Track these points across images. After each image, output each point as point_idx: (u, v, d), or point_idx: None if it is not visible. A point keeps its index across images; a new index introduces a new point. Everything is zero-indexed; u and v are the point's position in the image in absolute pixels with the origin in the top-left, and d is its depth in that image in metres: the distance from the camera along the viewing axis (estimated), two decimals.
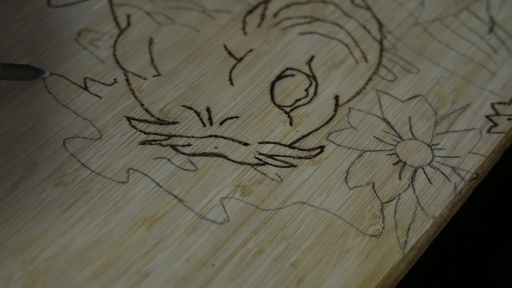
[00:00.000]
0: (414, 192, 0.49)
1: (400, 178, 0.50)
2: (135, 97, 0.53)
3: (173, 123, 0.51)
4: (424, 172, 0.50)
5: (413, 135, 0.52)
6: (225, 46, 0.56)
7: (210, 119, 0.52)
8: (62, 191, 0.47)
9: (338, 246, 0.47)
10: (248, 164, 0.50)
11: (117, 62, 0.54)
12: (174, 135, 0.51)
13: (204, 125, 0.51)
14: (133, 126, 0.51)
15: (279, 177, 0.49)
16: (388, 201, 0.49)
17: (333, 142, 0.51)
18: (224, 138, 0.51)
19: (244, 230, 0.47)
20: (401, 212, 0.48)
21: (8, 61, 0.53)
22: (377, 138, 0.52)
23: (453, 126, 0.53)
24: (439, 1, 0.61)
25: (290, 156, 0.50)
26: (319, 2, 0.60)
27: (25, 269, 0.44)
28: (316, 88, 0.54)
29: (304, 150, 0.51)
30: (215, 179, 0.49)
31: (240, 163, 0.50)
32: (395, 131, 0.52)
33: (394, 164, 0.51)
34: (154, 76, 0.54)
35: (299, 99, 0.53)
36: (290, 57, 0.56)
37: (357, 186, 0.49)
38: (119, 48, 0.55)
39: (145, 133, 0.51)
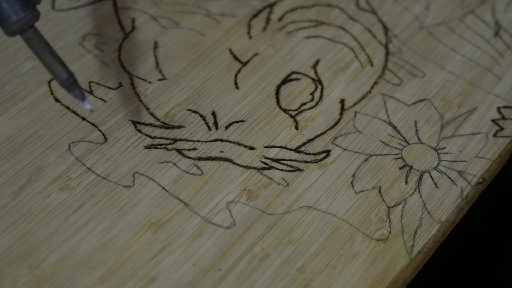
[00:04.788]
0: (421, 197, 0.49)
1: (406, 182, 0.50)
2: (140, 101, 0.52)
3: (179, 127, 0.51)
4: (431, 176, 0.50)
5: (419, 139, 0.52)
6: (230, 50, 0.56)
7: (215, 123, 0.52)
8: (68, 195, 0.47)
9: (344, 250, 0.46)
10: (254, 168, 0.50)
11: (122, 66, 0.54)
12: (180, 139, 0.50)
13: (210, 129, 0.51)
14: (139, 130, 0.51)
15: (285, 181, 0.49)
16: (394, 206, 0.49)
17: (339, 146, 0.51)
18: (230, 142, 0.51)
19: (250, 235, 0.46)
20: (407, 217, 0.48)
21: (12, 65, 0.53)
22: (383, 142, 0.52)
23: (459, 130, 0.53)
24: (445, 5, 0.61)
25: (296, 160, 0.50)
26: (324, 6, 0.60)
27: (31, 274, 0.44)
28: (321, 92, 0.54)
29: (310, 154, 0.51)
30: (221, 183, 0.49)
31: (246, 167, 0.50)
32: (401, 135, 0.52)
33: (400, 168, 0.50)
34: (159, 80, 0.54)
35: (305, 103, 0.53)
36: (296, 61, 0.56)
37: (363, 191, 0.49)
38: (124, 52, 0.55)
39: (150, 137, 0.50)
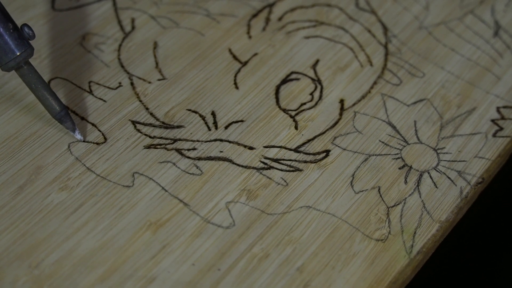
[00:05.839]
0: (420, 197, 0.49)
1: (406, 182, 0.50)
2: (140, 101, 0.52)
3: (178, 127, 0.51)
4: (430, 176, 0.50)
5: (418, 139, 0.52)
6: (229, 50, 0.56)
7: (215, 123, 0.52)
8: (67, 195, 0.47)
9: (344, 250, 0.46)
10: (254, 168, 0.50)
11: (122, 66, 0.54)
12: (179, 139, 0.50)
13: (209, 129, 0.51)
14: (138, 130, 0.51)
15: (285, 181, 0.49)
16: (394, 206, 0.49)
17: (339, 146, 0.51)
18: (229, 142, 0.51)
19: (250, 235, 0.46)
20: (407, 217, 0.48)
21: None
22: (383, 142, 0.52)
23: (458, 130, 0.53)
24: (444, 4, 0.61)
25: (295, 160, 0.50)
26: (324, 5, 0.60)
27: (30, 274, 0.44)
28: (321, 92, 0.54)
29: (309, 154, 0.51)
30: (221, 183, 0.49)
31: (245, 167, 0.50)
32: (400, 135, 0.52)
33: (399, 168, 0.50)
34: (159, 80, 0.54)
35: (304, 103, 0.53)
36: (295, 61, 0.56)
37: (363, 191, 0.49)
38: (123, 51, 0.55)
39: (150, 137, 0.50)
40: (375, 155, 0.51)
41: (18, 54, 0.46)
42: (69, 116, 0.49)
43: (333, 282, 0.45)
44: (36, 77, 0.48)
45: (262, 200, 0.48)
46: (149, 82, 0.54)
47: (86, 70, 0.54)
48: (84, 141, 0.49)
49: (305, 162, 0.50)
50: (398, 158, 0.51)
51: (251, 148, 0.51)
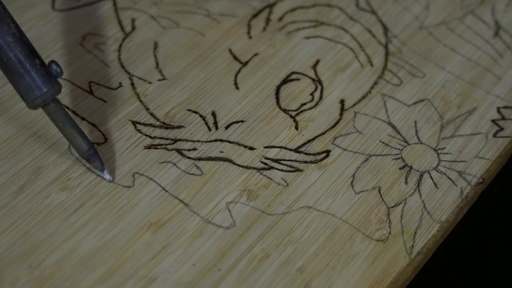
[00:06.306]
0: (421, 197, 0.49)
1: (406, 182, 0.50)
2: (140, 101, 0.52)
3: (179, 127, 0.51)
4: (430, 177, 0.50)
5: (419, 140, 0.52)
6: (230, 50, 0.56)
7: (215, 123, 0.52)
8: (68, 196, 0.47)
9: (344, 250, 0.46)
10: (254, 168, 0.50)
11: (122, 66, 0.54)
12: (180, 139, 0.50)
13: (210, 129, 0.51)
14: (139, 130, 0.51)
15: (285, 181, 0.49)
16: (394, 206, 0.49)
17: (339, 147, 0.51)
18: (230, 142, 0.51)
19: (250, 235, 0.46)
20: (407, 217, 0.48)
21: None
22: (383, 143, 0.52)
23: (459, 130, 0.53)
24: (444, 5, 0.61)
25: (296, 161, 0.50)
26: (324, 6, 0.60)
27: (31, 274, 0.44)
28: (321, 92, 0.54)
29: (310, 154, 0.51)
30: (221, 184, 0.49)
31: (246, 167, 0.50)
32: (401, 135, 0.52)
33: (400, 169, 0.50)
34: (159, 80, 0.54)
35: (305, 103, 0.53)
36: (295, 61, 0.56)
37: (363, 191, 0.49)
38: (124, 52, 0.55)
39: (150, 137, 0.50)
40: (376, 155, 0.51)
41: (45, 91, 0.44)
42: (98, 155, 0.48)
43: (334, 283, 0.45)
44: (63, 115, 0.46)
45: (263, 200, 0.48)
46: (150, 82, 0.54)
47: (86, 70, 0.54)
48: (113, 182, 0.48)
49: (306, 162, 0.50)
50: (399, 158, 0.51)
51: (251, 148, 0.51)
